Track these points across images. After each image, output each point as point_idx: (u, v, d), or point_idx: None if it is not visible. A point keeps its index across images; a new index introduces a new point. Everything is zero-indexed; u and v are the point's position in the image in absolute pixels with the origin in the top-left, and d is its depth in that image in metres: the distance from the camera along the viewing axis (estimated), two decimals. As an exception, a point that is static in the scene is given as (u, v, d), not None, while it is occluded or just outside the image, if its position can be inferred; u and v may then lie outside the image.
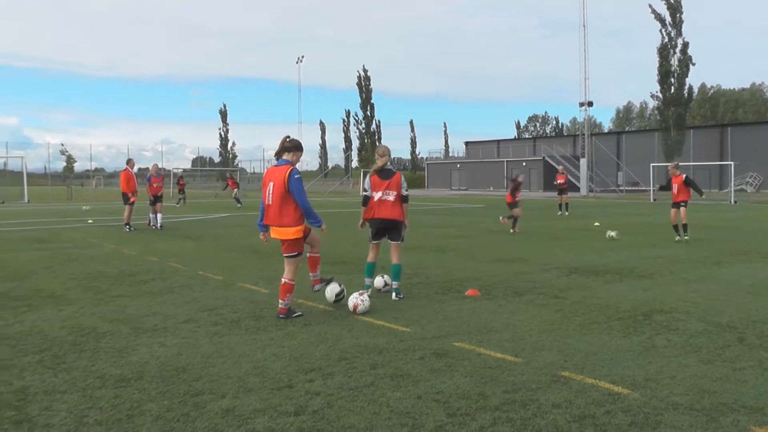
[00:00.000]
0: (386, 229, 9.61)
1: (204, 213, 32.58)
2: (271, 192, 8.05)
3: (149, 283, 11.00)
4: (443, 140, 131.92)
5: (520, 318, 8.10)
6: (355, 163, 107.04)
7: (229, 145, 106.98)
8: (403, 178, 9.61)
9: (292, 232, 8.06)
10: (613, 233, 17.94)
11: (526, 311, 8.51)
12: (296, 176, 7.99)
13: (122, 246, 16.79)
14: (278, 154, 8.24)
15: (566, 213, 29.30)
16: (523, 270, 12.22)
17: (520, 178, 21.91)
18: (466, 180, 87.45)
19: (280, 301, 8.20)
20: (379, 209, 9.49)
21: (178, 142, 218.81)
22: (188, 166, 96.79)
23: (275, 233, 8.15)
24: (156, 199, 22.34)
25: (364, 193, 9.62)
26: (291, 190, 7.95)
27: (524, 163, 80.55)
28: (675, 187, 17.28)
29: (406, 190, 9.59)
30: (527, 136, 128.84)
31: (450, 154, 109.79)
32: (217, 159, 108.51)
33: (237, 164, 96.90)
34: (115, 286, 10.71)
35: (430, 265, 12.84)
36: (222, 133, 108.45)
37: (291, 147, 8.20)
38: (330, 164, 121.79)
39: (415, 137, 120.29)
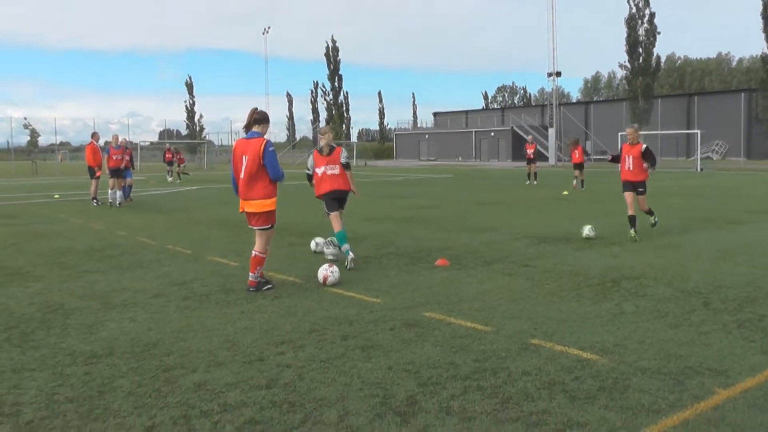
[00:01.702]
0: (339, 199, 10.06)
1: (172, 186, 32.24)
2: (245, 165, 8.01)
3: (118, 258, 10.89)
4: (411, 111, 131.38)
5: (489, 287, 8.16)
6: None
7: (196, 117, 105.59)
8: (342, 149, 10.05)
9: (266, 205, 8.06)
10: (588, 231, 12.26)
11: (496, 280, 8.57)
12: (271, 149, 8.01)
13: (90, 221, 16.57)
14: (247, 127, 8.21)
15: (535, 182, 29.56)
16: (492, 239, 12.29)
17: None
18: (434, 150, 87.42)
19: (250, 273, 8.18)
20: (329, 183, 9.91)
21: (145, 115, 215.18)
22: (155, 138, 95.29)
23: (248, 206, 8.12)
24: (115, 173, 21.14)
25: (308, 172, 10.14)
26: (265, 163, 7.94)
27: (492, 134, 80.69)
28: (630, 161, 12.33)
29: (346, 158, 10.00)
30: (495, 107, 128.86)
31: (418, 125, 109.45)
32: (184, 131, 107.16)
33: (204, 136, 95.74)
34: (83, 261, 10.59)
35: (400, 236, 12.87)
36: (188, 106, 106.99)
37: (260, 119, 8.18)
38: (297, 136, 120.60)
39: (383, 108, 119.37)
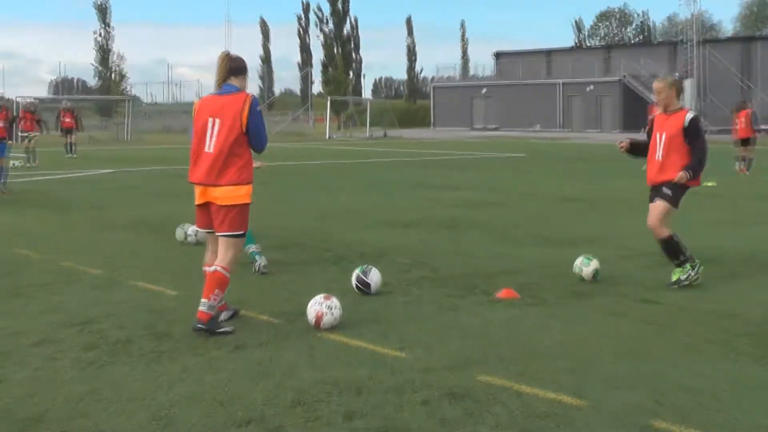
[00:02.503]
0: None
1: (71, 169, 32.39)
2: (215, 134, 8.20)
3: (-18, 281, 10.94)
4: (460, 50, 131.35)
5: (583, 334, 8.13)
6: (317, 87, 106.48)
7: (113, 58, 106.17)
8: None
9: (240, 195, 8.24)
10: (587, 268, 10.78)
11: (594, 323, 8.54)
12: (258, 108, 8.29)
13: (-62, 222, 16.67)
14: (221, 81, 8.42)
15: None
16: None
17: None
18: (496, 113, 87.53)
19: (202, 300, 8.21)
20: None
21: (28, 57, 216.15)
22: (45, 92, 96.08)
23: (212, 197, 8.27)
24: None
25: None
26: (250, 129, 8.19)
27: (590, 87, 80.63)
28: (661, 144, 10.64)
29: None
30: (596, 44, 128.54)
31: (471, 73, 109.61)
32: (93, 82, 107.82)
33: (126, 89, 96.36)
34: (-75, 286, 10.63)
35: (440, 251, 12.86)
36: (100, 42, 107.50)
37: (238, 68, 8.46)
38: (277, 89, 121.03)
39: (414, 45, 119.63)
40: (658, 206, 10.40)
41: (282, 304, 9.40)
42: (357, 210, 18.19)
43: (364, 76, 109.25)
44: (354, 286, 9.91)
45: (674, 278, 10.31)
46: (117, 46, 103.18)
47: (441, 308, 9.25)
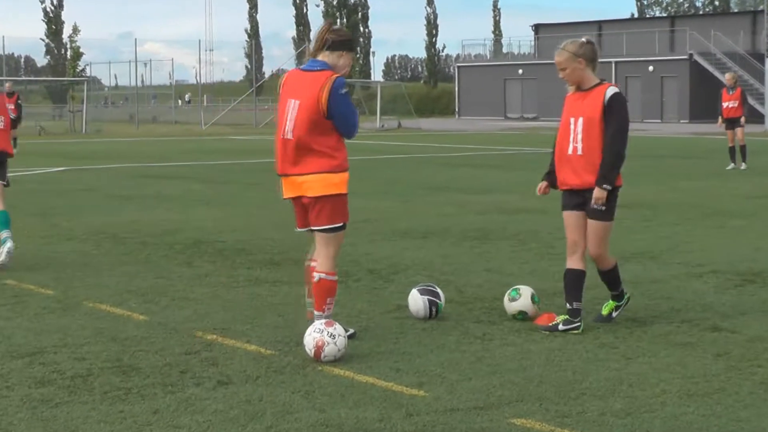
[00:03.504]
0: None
1: (14, 166, 32.43)
2: (292, 116, 8.49)
3: None
4: (491, 22, 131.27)
5: (641, 369, 8.12)
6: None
7: (66, 32, 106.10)
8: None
9: (335, 183, 8.51)
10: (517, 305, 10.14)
11: (655, 356, 8.54)
12: (343, 91, 8.47)
13: None
14: (312, 54, 8.72)
15: (742, 166, 29.13)
16: (647, 276, 12.22)
17: None
18: (534, 99, 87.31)
19: (316, 313, 8.64)
20: None
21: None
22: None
23: (299, 188, 8.59)
24: None
25: None
26: (333, 115, 8.41)
27: (651, 68, 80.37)
28: (576, 132, 9.86)
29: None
30: (657, 14, 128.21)
31: (504, 51, 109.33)
32: (42, 61, 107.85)
33: (82, 70, 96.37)
34: None
35: (465, 267, 12.93)
36: (49, 11, 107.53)
37: (338, 42, 8.65)
38: (267, 69, 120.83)
39: (435, 16, 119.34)
40: (596, 229, 9.86)
41: (274, 330, 9.42)
42: (365, 217, 18.08)
43: (373, 53, 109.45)
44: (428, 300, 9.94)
45: (606, 312, 10.07)
46: (70, 16, 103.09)
47: (467, 336, 9.26)
